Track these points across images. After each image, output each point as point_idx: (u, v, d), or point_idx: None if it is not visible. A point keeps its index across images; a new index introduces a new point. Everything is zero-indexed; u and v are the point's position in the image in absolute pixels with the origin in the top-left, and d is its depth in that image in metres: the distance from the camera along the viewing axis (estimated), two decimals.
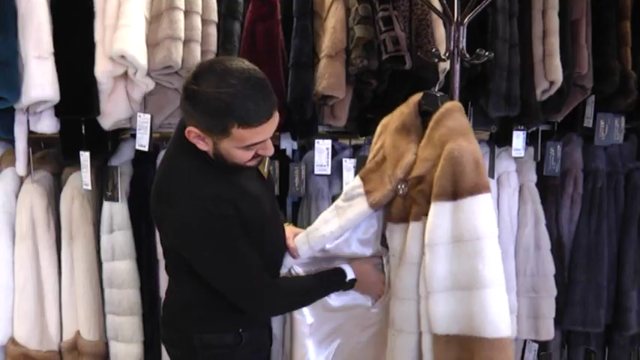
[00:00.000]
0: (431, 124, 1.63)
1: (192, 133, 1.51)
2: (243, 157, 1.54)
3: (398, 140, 1.71)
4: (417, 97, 1.75)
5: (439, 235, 1.54)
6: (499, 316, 1.51)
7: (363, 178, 1.76)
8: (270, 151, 1.56)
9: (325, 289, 1.79)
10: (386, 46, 2.34)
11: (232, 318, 1.72)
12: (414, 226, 1.62)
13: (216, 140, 1.51)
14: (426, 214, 1.58)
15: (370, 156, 1.82)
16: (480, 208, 1.52)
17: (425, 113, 1.72)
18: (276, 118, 1.52)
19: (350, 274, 1.78)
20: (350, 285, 1.79)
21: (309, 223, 2.50)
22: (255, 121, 1.45)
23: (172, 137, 1.68)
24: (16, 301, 2.47)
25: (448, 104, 1.65)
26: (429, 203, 1.58)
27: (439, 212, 1.54)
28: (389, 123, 1.80)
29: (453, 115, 1.62)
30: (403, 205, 1.66)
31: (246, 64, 1.49)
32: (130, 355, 2.51)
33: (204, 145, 1.54)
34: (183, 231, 1.55)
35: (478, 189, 1.52)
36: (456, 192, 1.52)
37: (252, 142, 1.50)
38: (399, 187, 1.66)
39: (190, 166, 1.58)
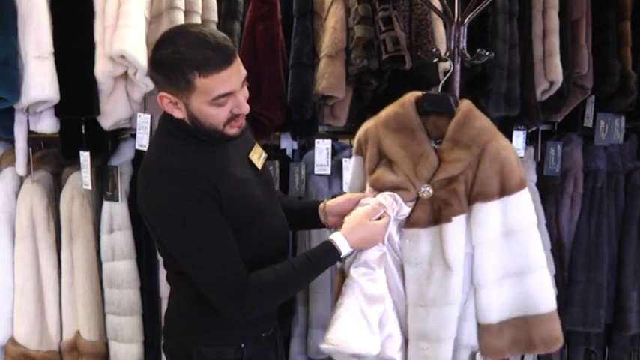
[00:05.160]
0: (453, 126, 1.63)
1: (164, 98, 1.52)
2: (218, 116, 1.52)
3: (404, 140, 1.67)
4: (410, 96, 1.72)
5: (490, 233, 1.61)
6: (549, 291, 1.68)
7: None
8: (244, 108, 1.54)
9: (315, 269, 1.61)
10: (386, 46, 2.34)
11: (233, 330, 1.65)
12: (447, 228, 1.61)
13: (186, 101, 1.50)
14: (458, 214, 1.61)
15: (368, 165, 1.75)
16: (526, 201, 1.63)
17: (422, 113, 1.71)
18: (239, 69, 1.51)
19: (345, 248, 1.59)
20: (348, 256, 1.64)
21: None
22: (214, 66, 1.45)
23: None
24: (16, 301, 2.47)
25: (464, 105, 1.65)
26: (461, 202, 1.61)
27: (489, 212, 1.60)
28: (376, 126, 1.74)
29: (475, 114, 1.64)
30: (431, 208, 1.64)
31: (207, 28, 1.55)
32: (130, 355, 2.51)
33: (178, 113, 1.54)
34: (158, 206, 1.53)
35: (523, 184, 1.63)
36: (504, 189, 1.60)
37: (218, 94, 1.48)
38: (422, 189, 1.64)
39: (170, 143, 1.58)
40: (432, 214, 1.64)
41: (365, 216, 1.62)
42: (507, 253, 1.63)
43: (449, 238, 1.61)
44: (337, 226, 1.73)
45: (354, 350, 1.59)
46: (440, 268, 1.64)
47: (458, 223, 1.61)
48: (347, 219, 1.66)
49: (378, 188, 1.68)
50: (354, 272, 1.64)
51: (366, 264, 1.64)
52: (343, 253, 1.60)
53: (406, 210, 1.66)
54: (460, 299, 1.66)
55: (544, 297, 1.67)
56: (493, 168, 1.59)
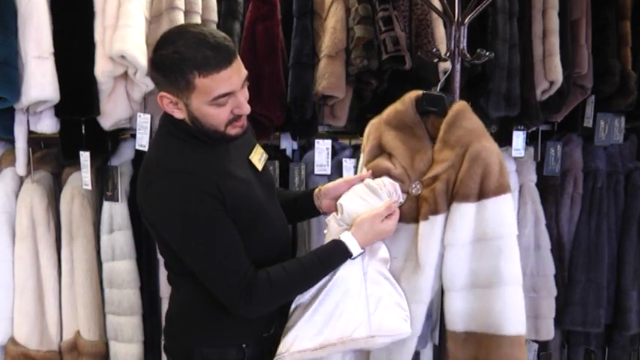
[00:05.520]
0: (443, 127, 1.62)
1: (165, 99, 1.52)
2: (219, 116, 1.52)
3: (403, 137, 1.69)
4: (412, 94, 1.73)
5: (463, 235, 1.57)
6: (519, 313, 1.58)
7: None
8: (245, 108, 1.54)
9: (324, 268, 1.61)
10: (386, 46, 2.34)
11: (234, 330, 1.66)
12: (423, 226, 1.60)
13: (186, 101, 1.50)
14: (435, 213, 1.59)
15: (366, 157, 1.77)
16: (504, 208, 1.57)
17: (423, 112, 1.71)
18: (240, 69, 1.51)
19: (356, 249, 1.59)
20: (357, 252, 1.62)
21: (309, 223, 2.52)
22: (214, 66, 1.45)
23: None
24: (16, 301, 2.47)
25: (457, 105, 1.65)
26: (438, 202, 1.59)
27: (464, 213, 1.56)
28: (379, 122, 1.77)
29: (465, 115, 1.63)
30: (416, 204, 1.64)
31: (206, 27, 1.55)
32: (130, 355, 2.51)
33: (179, 113, 1.54)
34: (160, 208, 1.53)
35: (503, 189, 1.56)
36: (481, 192, 1.55)
37: (219, 94, 1.48)
38: (413, 185, 1.65)
39: (170, 144, 1.58)
40: (415, 210, 1.64)
41: (375, 217, 1.61)
42: (478, 260, 1.58)
43: (422, 236, 1.60)
44: (331, 211, 1.75)
45: (408, 333, 1.63)
46: (412, 266, 1.63)
47: (434, 222, 1.59)
48: (354, 212, 1.64)
49: (376, 175, 1.70)
50: (376, 264, 1.65)
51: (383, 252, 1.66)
52: (354, 254, 1.60)
53: (401, 200, 1.67)
54: (429, 299, 1.64)
55: (512, 316, 1.57)
56: (472, 169, 1.55)
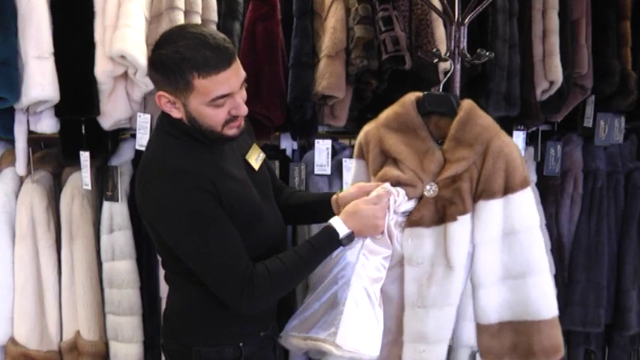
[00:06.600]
0: (455, 125, 1.62)
1: (163, 98, 1.53)
2: (216, 116, 1.53)
3: (407, 139, 1.67)
4: (411, 96, 1.72)
5: (492, 231, 1.59)
6: (552, 297, 1.65)
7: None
8: (243, 109, 1.55)
9: (319, 255, 1.61)
10: (386, 46, 2.34)
11: (231, 329, 1.66)
12: (453, 227, 1.60)
13: (184, 101, 1.51)
14: (462, 213, 1.59)
15: (372, 166, 1.74)
16: (529, 200, 1.60)
17: (424, 113, 1.70)
18: (238, 71, 1.52)
19: (342, 230, 1.59)
20: (349, 239, 1.61)
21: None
22: (214, 68, 1.46)
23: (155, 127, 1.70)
24: (16, 301, 2.47)
25: (466, 104, 1.65)
26: (465, 201, 1.59)
27: (492, 210, 1.58)
28: (377, 127, 1.75)
29: (477, 113, 1.64)
30: (435, 207, 1.63)
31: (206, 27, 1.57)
32: (130, 355, 2.51)
33: (176, 112, 1.55)
34: (159, 206, 1.53)
35: (527, 182, 1.60)
36: (507, 187, 1.58)
37: (217, 95, 1.49)
38: (427, 187, 1.64)
39: (167, 142, 1.58)
40: (437, 212, 1.63)
41: (363, 201, 1.62)
42: (509, 253, 1.61)
43: (453, 238, 1.60)
44: None
45: (370, 357, 1.60)
46: (442, 269, 1.63)
47: (463, 222, 1.60)
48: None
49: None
50: (360, 269, 1.63)
51: (374, 260, 1.64)
52: (341, 235, 1.59)
53: (409, 205, 1.65)
54: (458, 301, 1.65)
55: (546, 302, 1.64)
56: (497, 165, 1.57)
